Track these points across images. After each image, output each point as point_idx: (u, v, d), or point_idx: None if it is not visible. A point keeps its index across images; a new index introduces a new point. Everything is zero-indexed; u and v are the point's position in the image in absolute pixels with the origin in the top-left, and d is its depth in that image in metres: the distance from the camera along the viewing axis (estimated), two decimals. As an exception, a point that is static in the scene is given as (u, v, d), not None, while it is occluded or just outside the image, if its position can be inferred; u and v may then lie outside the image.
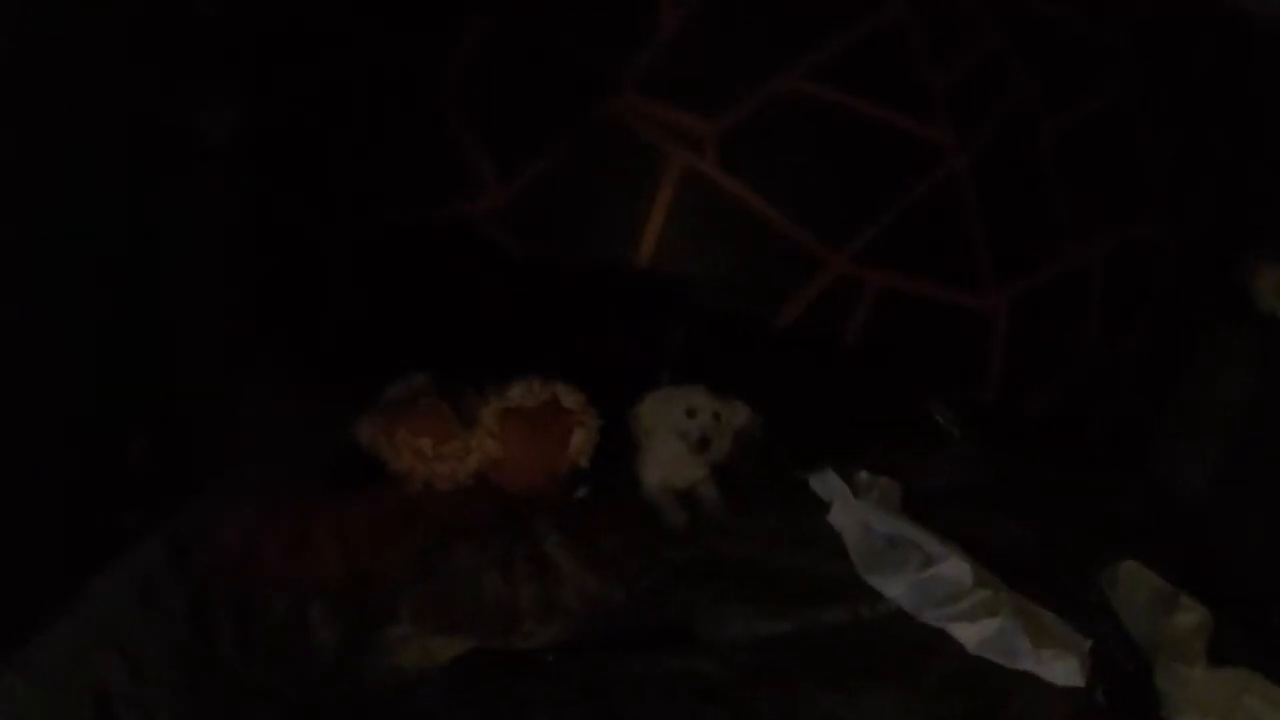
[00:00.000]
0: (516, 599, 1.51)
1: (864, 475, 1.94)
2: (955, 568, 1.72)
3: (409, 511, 1.68)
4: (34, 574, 1.45)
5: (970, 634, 1.65)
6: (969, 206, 2.33)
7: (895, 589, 1.71)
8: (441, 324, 2.03)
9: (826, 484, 1.90)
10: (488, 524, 1.68)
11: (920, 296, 2.35)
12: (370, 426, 1.75)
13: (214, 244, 1.83)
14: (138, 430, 1.69)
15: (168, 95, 1.71)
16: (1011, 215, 2.39)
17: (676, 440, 1.84)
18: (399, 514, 1.66)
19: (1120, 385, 2.65)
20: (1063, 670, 1.64)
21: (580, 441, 1.82)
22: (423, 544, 1.60)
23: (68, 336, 1.57)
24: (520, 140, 2.19)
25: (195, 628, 1.43)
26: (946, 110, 2.28)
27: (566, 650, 1.47)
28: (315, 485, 1.68)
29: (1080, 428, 2.60)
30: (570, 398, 1.83)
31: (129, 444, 1.68)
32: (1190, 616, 1.80)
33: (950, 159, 2.30)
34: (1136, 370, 2.66)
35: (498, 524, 1.68)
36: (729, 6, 2.19)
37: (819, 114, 2.21)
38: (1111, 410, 2.65)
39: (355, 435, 1.76)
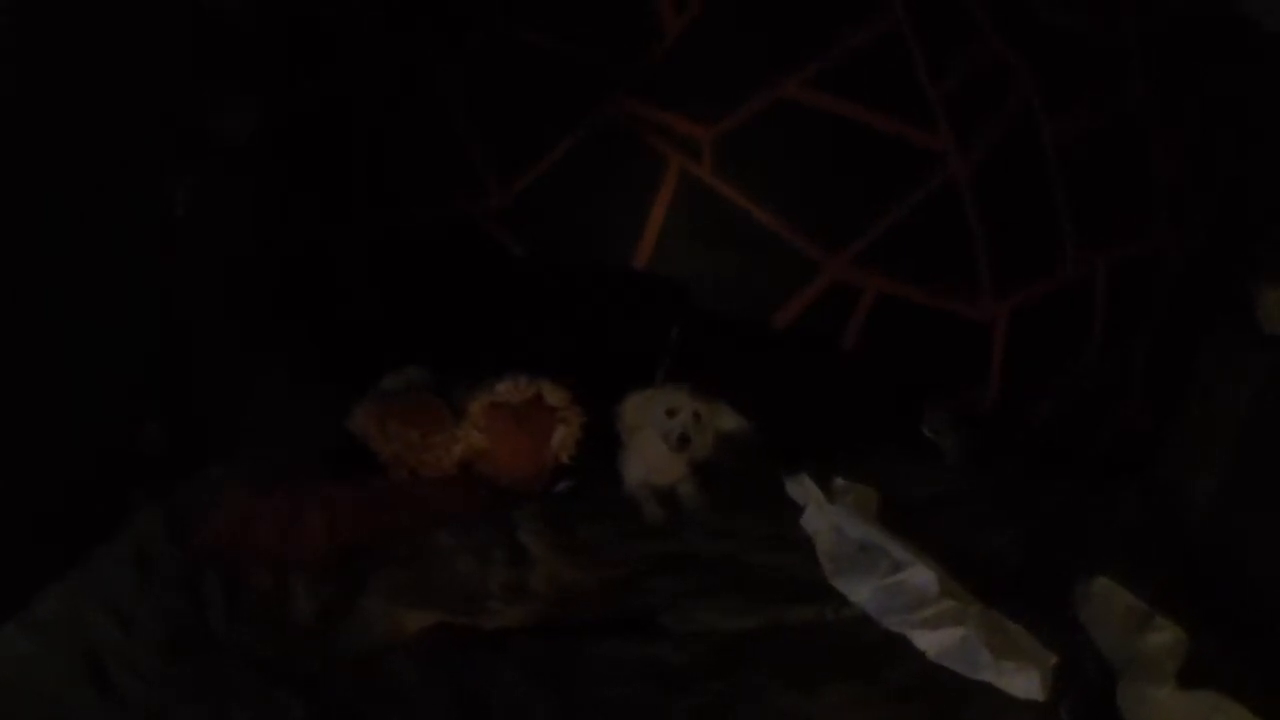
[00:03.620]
0: (487, 580, 1.58)
1: (840, 481, 1.97)
2: (921, 575, 1.74)
3: (395, 497, 1.76)
4: (42, 548, 1.56)
5: (931, 641, 1.67)
6: (969, 214, 2.34)
7: (861, 594, 1.74)
8: (444, 320, 2.11)
9: (802, 488, 1.93)
10: (470, 512, 1.76)
11: (918, 304, 2.36)
12: (363, 415, 1.85)
13: (229, 240, 1.95)
14: (151, 417, 1.80)
15: (187, 93, 1.82)
16: (1013, 224, 2.38)
17: (658, 439, 1.90)
18: (385, 499, 1.75)
19: (1123, 398, 2.63)
20: (1023, 683, 1.64)
21: (562, 437, 1.88)
22: (405, 527, 1.69)
23: (87, 327, 1.68)
24: (522, 143, 2.27)
25: (186, 594, 1.54)
26: (947, 117, 2.30)
27: (532, 632, 1.54)
28: (310, 469, 1.78)
29: (1082, 441, 2.58)
30: (554, 395, 1.90)
31: (142, 430, 1.79)
32: (1162, 636, 1.78)
33: (950, 166, 2.31)
34: (1140, 383, 2.63)
35: (479, 513, 1.76)
36: (730, 13, 2.24)
37: (818, 120, 2.25)
38: (1114, 423, 2.63)
39: (350, 423, 1.86)
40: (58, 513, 1.63)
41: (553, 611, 1.57)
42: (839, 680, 1.58)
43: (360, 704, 1.41)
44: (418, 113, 2.26)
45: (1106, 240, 2.48)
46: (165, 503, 1.66)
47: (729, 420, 2.01)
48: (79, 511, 1.64)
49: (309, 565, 1.59)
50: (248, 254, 1.97)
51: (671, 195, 2.24)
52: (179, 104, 1.81)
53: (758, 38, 2.25)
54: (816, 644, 1.65)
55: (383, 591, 1.53)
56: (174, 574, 1.55)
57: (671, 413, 1.90)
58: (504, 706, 1.42)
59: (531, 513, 1.76)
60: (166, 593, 1.51)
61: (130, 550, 1.55)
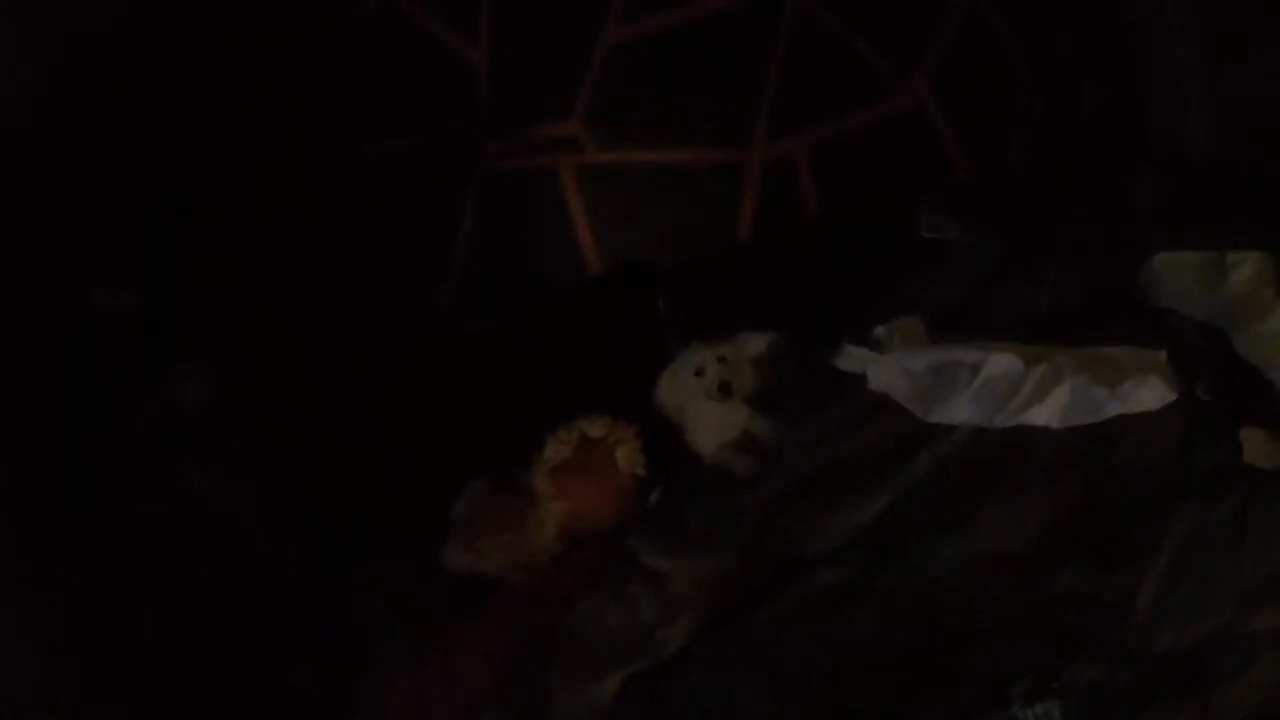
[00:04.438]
0: (639, 616, 1.61)
1: (879, 330, 1.94)
2: (1000, 362, 1.71)
3: (530, 601, 1.79)
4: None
5: (1048, 413, 1.65)
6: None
7: (959, 412, 1.71)
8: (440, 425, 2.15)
9: (851, 358, 1.91)
10: (592, 571, 1.78)
11: (854, 144, 2.29)
12: (456, 552, 1.87)
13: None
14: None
15: None
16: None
17: (704, 403, 1.90)
18: (519, 608, 1.78)
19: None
20: (1149, 393, 1.62)
21: (625, 457, 1.89)
22: (548, 618, 1.72)
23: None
24: (440, 226, 2.30)
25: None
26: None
27: (705, 633, 1.57)
28: (439, 628, 1.79)
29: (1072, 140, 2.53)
30: (594, 427, 1.90)
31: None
32: (1245, 268, 1.73)
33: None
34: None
35: (599, 566, 1.78)
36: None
37: (654, 44, 2.21)
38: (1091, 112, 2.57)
39: (449, 566, 1.89)
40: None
41: (711, 608, 1.59)
42: (986, 502, 1.58)
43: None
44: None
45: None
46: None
47: (754, 343, 1.99)
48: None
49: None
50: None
51: (582, 196, 2.22)
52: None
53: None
54: (948, 484, 1.64)
55: (560, 677, 1.56)
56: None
57: (699, 371, 1.89)
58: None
59: (641, 535, 1.78)
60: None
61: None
